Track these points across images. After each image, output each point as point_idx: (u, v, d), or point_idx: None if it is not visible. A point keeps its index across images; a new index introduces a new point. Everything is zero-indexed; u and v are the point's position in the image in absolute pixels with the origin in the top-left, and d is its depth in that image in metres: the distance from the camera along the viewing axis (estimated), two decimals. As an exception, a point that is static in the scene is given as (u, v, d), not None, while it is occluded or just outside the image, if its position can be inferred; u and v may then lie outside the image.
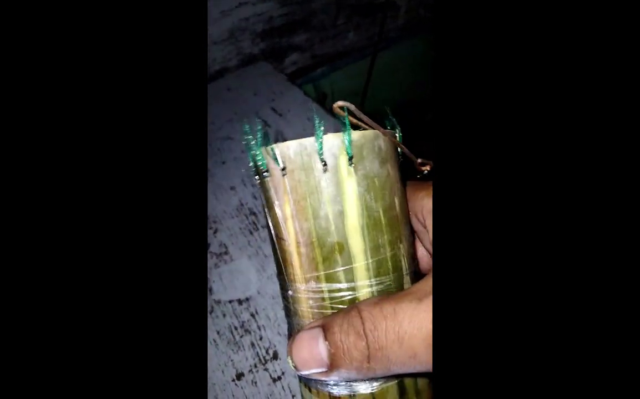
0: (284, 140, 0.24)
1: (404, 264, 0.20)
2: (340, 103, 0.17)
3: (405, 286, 0.20)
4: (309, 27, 0.74)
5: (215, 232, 0.41)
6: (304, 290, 0.20)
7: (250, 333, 0.32)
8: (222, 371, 0.30)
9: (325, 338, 0.15)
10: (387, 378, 0.18)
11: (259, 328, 0.32)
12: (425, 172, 0.21)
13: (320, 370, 0.15)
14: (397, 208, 0.20)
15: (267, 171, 0.19)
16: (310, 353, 0.15)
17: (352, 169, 0.18)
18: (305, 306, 0.20)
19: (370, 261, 0.18)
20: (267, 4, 0.67)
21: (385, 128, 0.20)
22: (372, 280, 0.18)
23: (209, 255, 0.39)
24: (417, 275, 0.21)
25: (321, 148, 0.17)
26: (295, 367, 0.16)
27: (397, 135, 0.20)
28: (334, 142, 0.18)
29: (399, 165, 0.21)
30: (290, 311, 0.21)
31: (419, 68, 0.91)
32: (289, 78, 0.63)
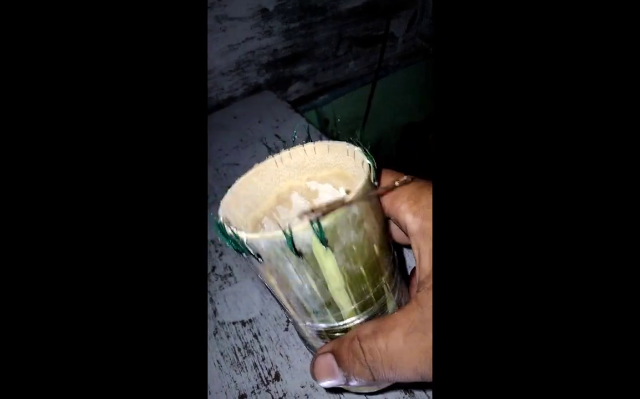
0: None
1: (386, 288, 0.21)
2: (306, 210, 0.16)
3: (389, 304, 0.22)
4: (312, 57, 0.78)
5: (220, 255, 0.42)
6: (302, 326, 0.22)
7: (253, 354, 0.33)
8: (225, 393, 0.31)
9: (339, 365, 0.19)
10: None
11: (262, 349, 0.33)
12: (402, 182, 0.20)
13: (338, 384, 0.20)
14: (377, 251, 0.20)
15: (242, 252, 0.18)
16: (330, 374, 0.20)
17: (328, 250, 0.17)
18: (308, 334, 0.22)
19: (356, 305, 0.20)
20: (272, 38, 0.71)
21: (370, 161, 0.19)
22: (360, 315, 0.20)
23: (214, 277, 0.40)
24: (399, 281, 0.23)
25: (291, 245, 0.16)
26: (318, 382, 0.20)
27: (370, 172, 0.19)
28: (304, 235, 0.16)
29: (376, 200, 0.20)
30: (297, 333, 0.23)
31: (415, 93, 0.94)
32: (292, 105, 0.66)
